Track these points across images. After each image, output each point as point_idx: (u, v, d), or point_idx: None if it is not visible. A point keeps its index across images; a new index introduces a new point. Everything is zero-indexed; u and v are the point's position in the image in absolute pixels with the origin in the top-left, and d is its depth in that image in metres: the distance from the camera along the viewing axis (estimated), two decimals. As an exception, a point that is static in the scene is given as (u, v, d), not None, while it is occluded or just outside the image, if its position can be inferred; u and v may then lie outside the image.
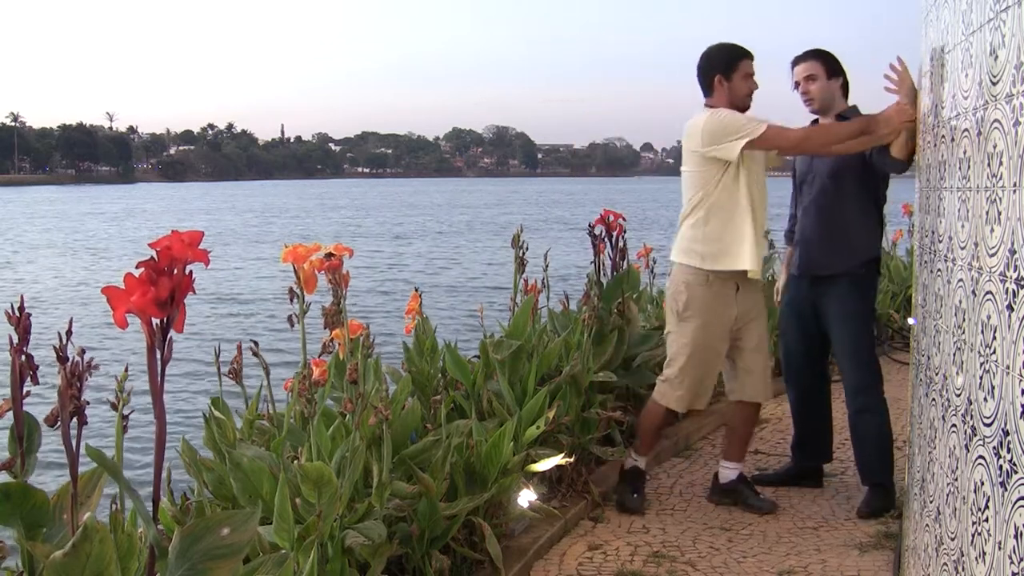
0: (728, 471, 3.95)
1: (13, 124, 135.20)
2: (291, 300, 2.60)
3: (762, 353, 3.85)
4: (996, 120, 1.73)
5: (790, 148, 3.70)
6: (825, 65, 3.84)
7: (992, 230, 1.74)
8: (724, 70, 3.69)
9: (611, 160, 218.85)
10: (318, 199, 77.40)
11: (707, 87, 3.74)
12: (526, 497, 3.34)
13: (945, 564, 2.08)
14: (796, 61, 3.92)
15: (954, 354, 2.08)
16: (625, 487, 3.91)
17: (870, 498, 3.83)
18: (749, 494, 3.91)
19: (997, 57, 1.74)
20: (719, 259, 3.64)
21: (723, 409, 5.35)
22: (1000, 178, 1.69)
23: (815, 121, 3.93)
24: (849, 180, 3.80)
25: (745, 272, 3.66)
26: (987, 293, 1.75)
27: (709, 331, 3.71)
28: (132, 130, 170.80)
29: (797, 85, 3.91)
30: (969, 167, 1.99)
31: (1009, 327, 1.59)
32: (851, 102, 3.93)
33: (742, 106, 3.69)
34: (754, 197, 3.63)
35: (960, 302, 2.03)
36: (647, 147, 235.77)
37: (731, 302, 3.72)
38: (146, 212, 53.93)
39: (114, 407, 2.09)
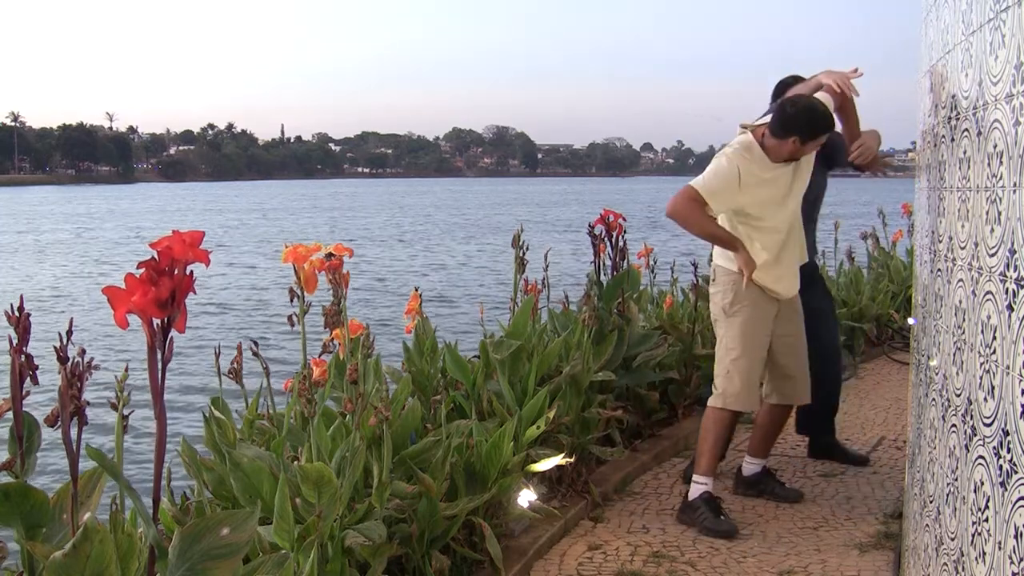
0: (752, 466, 4.06)
1: (13, 124, 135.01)
2: (291, 300, 2.61)
3: (801, 357, 3.88)
4: (996, 120, 1.73)
5: None
6: None
7: (992, 230, 1.74)
8: (807, 136, 3.59)
9: (611, 160, 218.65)
10: (310, 199, 77.05)
11: (780, 136, 3.60)
12: (526, 497, 3.34)
13: (945, 564, 2.08)
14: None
15: (954, 354, 2.08)
16: (707, 514, 3.68)
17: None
18: (775, 484, 4.03)
19: (997, 57, 1.74)
20: (758, 274, 3.69)
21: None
22: (1000, 178, 1.69)
23: None
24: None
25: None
26: (987, 293, 1.75)
27: (756, 325, 3.73)
28: (132, 130, 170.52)
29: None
30: (969, 167, 1.99)
31: (1009, 327, 1.59)
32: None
33: (788, 159, 3.66)
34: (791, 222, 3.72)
35: (960, 302, 2.03)
36: (647, 147, 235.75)
37: (773, 301, 3.77)
38: (130, 213, 52.80)
39: (114, 407, 2.09)
